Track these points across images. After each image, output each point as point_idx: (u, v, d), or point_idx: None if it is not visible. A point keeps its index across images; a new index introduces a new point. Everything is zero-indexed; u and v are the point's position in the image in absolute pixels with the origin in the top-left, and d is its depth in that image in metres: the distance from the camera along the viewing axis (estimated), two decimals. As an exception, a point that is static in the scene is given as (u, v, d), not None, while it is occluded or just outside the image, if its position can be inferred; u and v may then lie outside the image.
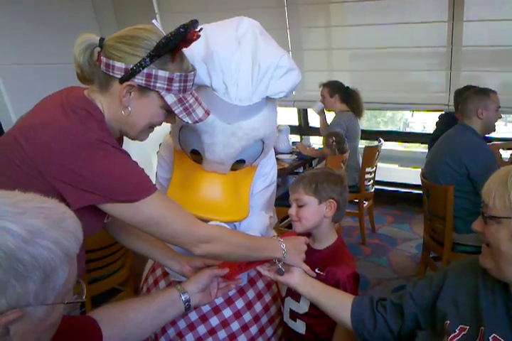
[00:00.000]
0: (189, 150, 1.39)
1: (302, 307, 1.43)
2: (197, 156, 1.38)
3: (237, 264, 1.27)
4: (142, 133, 1.17)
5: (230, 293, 1.45)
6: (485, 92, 2.58)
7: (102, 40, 1.07)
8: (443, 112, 3.86)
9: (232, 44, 1.22)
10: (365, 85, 4.47)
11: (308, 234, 1.46)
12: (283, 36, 4.44)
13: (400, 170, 5.27)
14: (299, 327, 1.45)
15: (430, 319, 1.12)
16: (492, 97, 2.54)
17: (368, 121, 8.10)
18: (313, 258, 1.39)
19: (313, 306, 1.36)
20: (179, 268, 1.34)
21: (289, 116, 5.33)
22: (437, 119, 3.71)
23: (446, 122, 3.37)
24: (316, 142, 4.30)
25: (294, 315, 1.46)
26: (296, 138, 4.86)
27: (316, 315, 1.36)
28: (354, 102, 3.74)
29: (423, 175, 2.75)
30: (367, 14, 4.11)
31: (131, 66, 1.03)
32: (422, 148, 4.81)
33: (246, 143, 1.31)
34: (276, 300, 1.60)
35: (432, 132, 3.78)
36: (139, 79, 1.05)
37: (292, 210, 1.43)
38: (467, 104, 2.57)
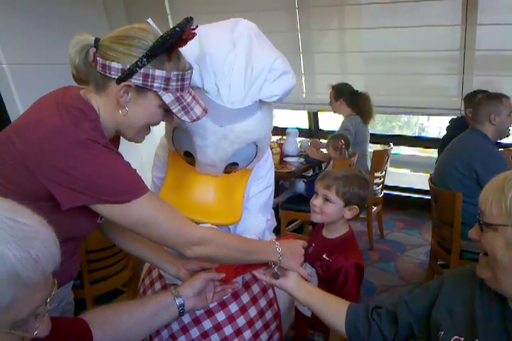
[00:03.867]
0: (182, 152, 1.38)
1: None
2: (190, 158, 1.37)
3: (234, 268, 1.25)
4: (139, 134, 1.16)
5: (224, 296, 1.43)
6: (497, 97, 2.53)
7: (97, 40, 1.07)
8: (454, 117, 3.80)
9: (226, 46, 1.21)
10: (377, 89, 4.43)
11: (322, 224, 1.63)
12: (294, 39, 4.42)
13: (412, 175, 5.21)
14: (306, 310, 1.53)
15: (424, 328, 1.09)
16: (504, 102, 2.49)
17: (382, 125, 8.02)
18: (323, 245, 1.57)
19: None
20: (175, 271, 1.32)
21: (299, 119, 5.30)
22: (448, 124, 3.65)
23: (456, 127, 3.31)
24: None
25: None
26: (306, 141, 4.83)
27: None
28: (362, 106, 3.69)
29: (432, 181, 2.70)
30: (380, 17, 4.08)
31: (128, 66, 1.02)
32: (436, 153, 4.75)
33: (238, 146, 1.30)
34: (271, 305, 1.58)
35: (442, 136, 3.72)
36: (136, 80, 1.03)
37: (317, 202, 1.54)
38: (479, 109, 2.53)
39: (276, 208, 3.51)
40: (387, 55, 4.27)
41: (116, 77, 1.03)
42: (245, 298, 1.50)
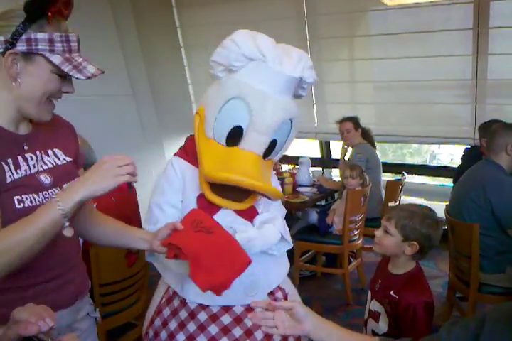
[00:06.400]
0: (228, 131, 1.40)
1: (381, 328, 1.56)
2: (234, 139, 1.39)
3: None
4: (41, 108, 1.13)
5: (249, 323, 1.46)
6: None
7: None
8: (468, 146, 3.79)
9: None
10: (389, 118, 4.44)
11: (388, 258, 1.63)
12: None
13: (426, 204, 5.14)
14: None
15: None
16: None
17: (393, 153, 8.00)
18: (390, 281, 1.56)
19: (391, 327, 1.51)
20: (148, 246, 1.30)
21: (311, 149, 5.32)
22: (463, 153, 3.63)
23: (471, 156, 3.29)
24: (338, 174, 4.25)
25: (374, 335, 1.53)
26: (318, 170, 4.83)
27: (393, 335, 1.39)
28: (370, 137, 3.85)
29: (447, 212, 2.66)
30: (390, 47, 4.13)
31: (9, 35, 1.04)
32: (449, 182, 4.71)
33: (286, 115, 1.41)
34: None
35: (457, 166, 3.71)
36: (21, 46, 1.05)
37: (378, 233, 1.57)
38: (495, 138, 2.48)
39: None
40: (398, 84, 4.30)
41: (1, 49, 1.05)
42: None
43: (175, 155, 1.56)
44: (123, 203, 2.32)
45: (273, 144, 1.44)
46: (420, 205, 1.64)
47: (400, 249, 1.52)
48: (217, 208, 1.46)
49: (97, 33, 4.00)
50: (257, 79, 1.36)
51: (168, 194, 1.50)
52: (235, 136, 1.39)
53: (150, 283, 2.57)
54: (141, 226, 2.45)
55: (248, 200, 1.46)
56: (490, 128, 2.69)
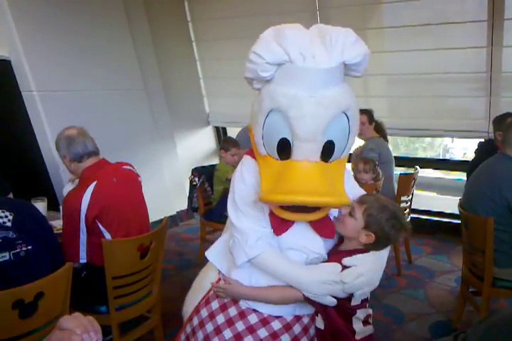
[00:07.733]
0: (276, 146, 1.32)
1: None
2: (285, 151, 1.32)
3: None
4: None
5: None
6: None
7: None
8: (482, 140, 3.74)
9: (301, 28, 1.30)
10: (401, 111, 4.40)
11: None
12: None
13: (439, 199, 5.11)
14: (320, 322, 1.51)
15: None
16: None
17: (406, 147, 7.94)
18: (335, 255, 1.49)
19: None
20: None
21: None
22: (476, 147, 3.59)
23: (486, 150, 3.24)
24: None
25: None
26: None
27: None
28: (382, 131, 3.83)
29: (461, 206, 2.63)
30: (404, 40, 4.08)
31: None
32: (462, 176, 4.67)
33: (333, 112, 1.27)
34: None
35: (471, 160, 3.66)
36: None
37: (344, 211, 1.49)
38: (511, 132, 2.42)
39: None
40: (411, 77, 4.25)
41: None
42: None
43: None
44: (124, 183, 2.37)
45: (330, 145, 1.32)
46: (396, 205, 1.58)
47: (357, 234, 1.48)
48: (292, 222, 1.40)
49: (109, 28, 4.04)
50: (289, 83, 1.25)
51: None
52: (284, 148, 1.32)
53: (163, 276, 2.59)
54: (145, 207, 2.55)
55: (321, 210, 1.35)
56: (505, 121, 2.65)
